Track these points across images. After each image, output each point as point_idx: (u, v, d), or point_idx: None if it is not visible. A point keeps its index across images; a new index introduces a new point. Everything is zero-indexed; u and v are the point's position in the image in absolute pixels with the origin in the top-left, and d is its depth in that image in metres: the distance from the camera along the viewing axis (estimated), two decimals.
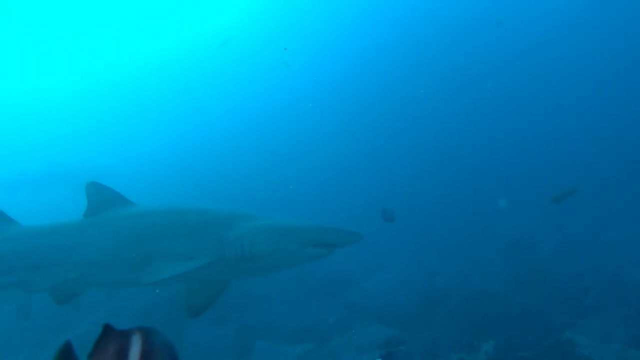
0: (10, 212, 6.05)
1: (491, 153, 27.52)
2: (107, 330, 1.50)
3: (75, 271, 5.40)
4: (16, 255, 5.56)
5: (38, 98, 41.79)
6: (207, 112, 41.83)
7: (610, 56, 29.13)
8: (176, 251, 5.16)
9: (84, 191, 5.75)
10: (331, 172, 28.53)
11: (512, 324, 8.56)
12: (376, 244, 11.81)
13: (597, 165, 22.38)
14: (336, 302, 11.73)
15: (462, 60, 30.70)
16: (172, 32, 38.43)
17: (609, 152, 23.80)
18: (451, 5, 31.02)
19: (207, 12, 36.44)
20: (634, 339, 7.36)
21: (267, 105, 39.01)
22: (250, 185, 25.23)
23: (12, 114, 41.55)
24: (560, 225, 15.47)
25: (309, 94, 35.43)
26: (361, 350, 8.25)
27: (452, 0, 30.96)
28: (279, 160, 29.92)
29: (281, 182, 24.84)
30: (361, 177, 26.86)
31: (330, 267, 12.26)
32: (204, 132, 39.71)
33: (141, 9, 36.16)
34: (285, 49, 33.30)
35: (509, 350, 7.29)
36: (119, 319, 10.01)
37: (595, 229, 14.76)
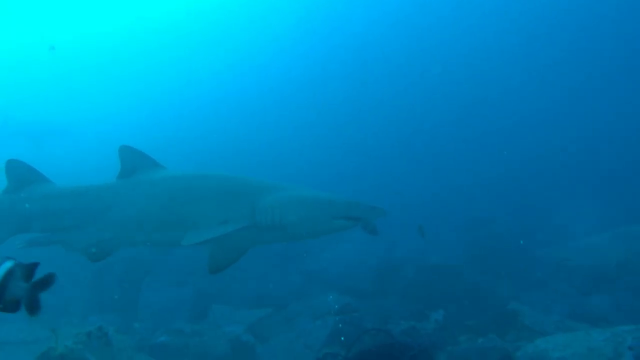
0: None
1: (456, 133, 28.10)
2: None
3: (111, 231, 5.54)
4: (55, 214, 5.63)
5: None
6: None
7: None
8: (209, 215, 5.29)
9: (118, 154, 5.81)
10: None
11: (463, 295, 8.90)
12: None
13: (555, 150, 23.22)
14: (295, 271, 11.88)
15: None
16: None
17: (567, 140, 24.72)
18: None
19: None
20: (571, 311, 7.81)
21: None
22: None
23: None
24: (516, 205, 16.14)
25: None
26: (316, 316, 8.40)
27: None
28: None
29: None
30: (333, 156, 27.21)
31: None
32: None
33: None
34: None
35: (457, 319, 7.61)
36: (75, 277, 9.90)
37: (547, 211, 15.46)
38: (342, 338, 6.10)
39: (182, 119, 35.74)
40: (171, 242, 5.51)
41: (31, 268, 2.47)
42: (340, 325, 6.97)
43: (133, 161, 5.81)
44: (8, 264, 2.41)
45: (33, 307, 2.44)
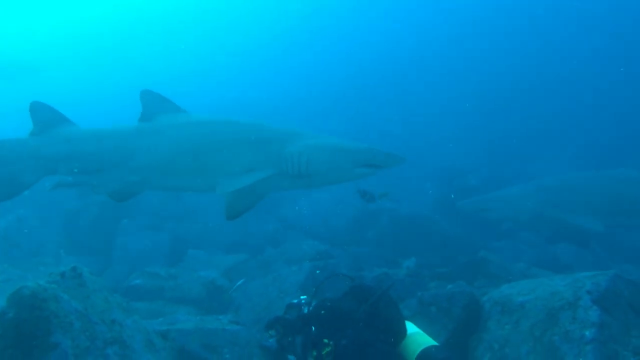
0: None
1: (436, 88, 28.10)
2: None
3: (138, 174, 5.54)
4: (82, 156, 5.59)
5: None
6: None
7: None
8: (234, 162, 5.30)
9: (139, 98, 5.75)
10: None
11: (434, 244, 9.14)
12: None
13: (533, 105, 23.50)
14: (272, 218, 11.97)
15: None
16: None
17: (536, 102, 25.03)
18: None
19: None
20: (537, 259, 8.11)
21: None
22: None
23: None
24: (490, 159, 16.47)
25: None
26: (291, 261, 8.54)
27: None
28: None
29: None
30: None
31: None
32: None
33: None
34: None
35: (428, 266, 7.83)
36: (47, 221, 9.81)
37: (518, 165, 15.87)
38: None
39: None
40: (195, 187, 5.64)
41: None
42: (317, 272, 7.10)
43: (154, 105, 5.76)
44: None
45: None
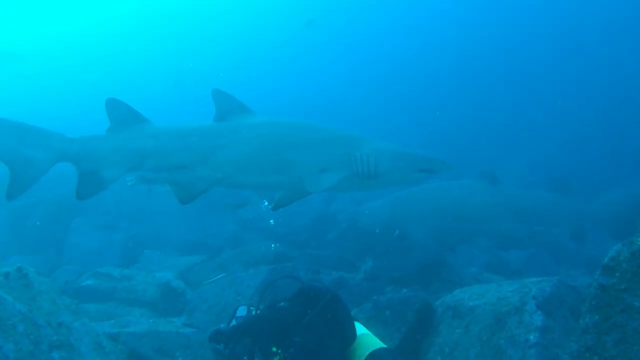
0: None
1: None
2: None
3: (220, 172, 5.66)
4: (165, 153, 5.65)
5: None
6: None
7: None
8: (310, 161, 5.58)
9: (211, 97, 5.89)
10: None
11: (393, 249, 9.26)
12: None
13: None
14: (231, 220, 11.87)
15: None
16: None
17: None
18: None
19: None
20: (488, 264, 8.36)
21: None
22: None
23: None
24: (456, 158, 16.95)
25: None
26: (249, 264, 8.47)
27: None
28: None
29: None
30: None
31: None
32: None
33: None
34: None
35: (385, 270, 7.93)
36: None
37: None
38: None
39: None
40: (272, 185, 5.90)
41: None
42: (275, 274, 7.08)
43: (226, 105, 5.93)
44: None
45: None
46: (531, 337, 3.93)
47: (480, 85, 29.86)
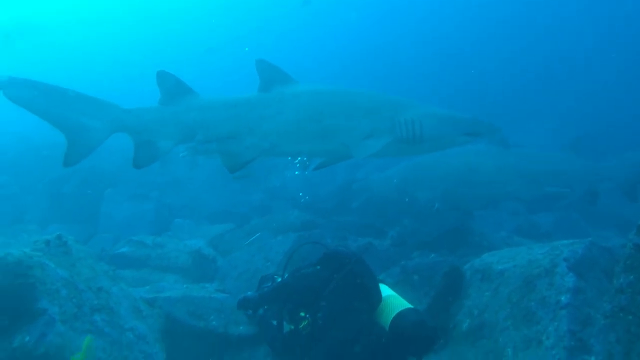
0: None
1: None
2: None
3: (267, 141, 5.75)
4: (215, 124, 5.80)
5: None
6: None
7: None
8: (354, 128, 5.61)
9: (255, 68, 5.93)
10: None
11: (419, 214, 9.25)
12: None
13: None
14: (258, 188, 12.01)
15: None
16: None
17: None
18: None
19: None
20: (518, 227, 8.28)
21: None
22: None
23: None
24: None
25: None
26: (277, 231, 8.61)
27: None
28: None
29: None
30: None
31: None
32: None
33: None
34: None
35: (412, 236, 7.96)
36: (28, 188, 9.70)
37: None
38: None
39: None
40: (318, 152, 5.99)
41: None
42: (302, 241, 7.17)
43: (270, 75, 5.99)
44: None
45: None
46: (562, 299, 3.91)
47: (503, 46, 28.89)
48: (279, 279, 3.72)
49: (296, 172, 11.07)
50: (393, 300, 3.34)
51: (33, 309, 3.75)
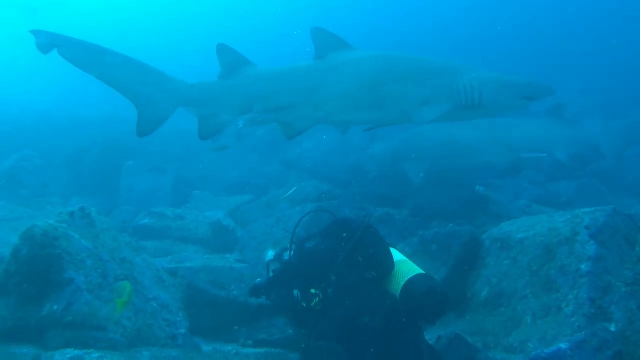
0: None
1: None
2: None
3: (323, 110, 5.83)
4: (273, 94, 5.88)
5: None
6: None
7: None
8: (412, 94, 5.65)
9: (311, 36, 6.00)
10: None
11: (437, 183, 9.19)
12: None
13: None
14: (275, 160, 12.03)
15: None
16: None
17: None
18: None
19: None
20: (538, 196, 8.20)
21: None
22: None
23: None
24: None
25: None
26: (295, 202, 8.63)
27: None
28: None
29: None
30: None
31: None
32: None
33: None
34: None
35: (431, 206, 7.93)
36: (52, 161, 9.85)
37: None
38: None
39: None
40: (375, 120, 6.05)
41: None
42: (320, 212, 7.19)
43: (325, 42, 5.99)
44: None
45: None
46: (583, 267, 3.89)
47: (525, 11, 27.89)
48: (287, 255, 3.71)
49: (324, 136, 11.09)
50: (404, 266, 3.30)
51: (60, 279, 3.86)
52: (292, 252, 3.68)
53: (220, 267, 5.45)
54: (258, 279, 3.74)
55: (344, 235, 3.35)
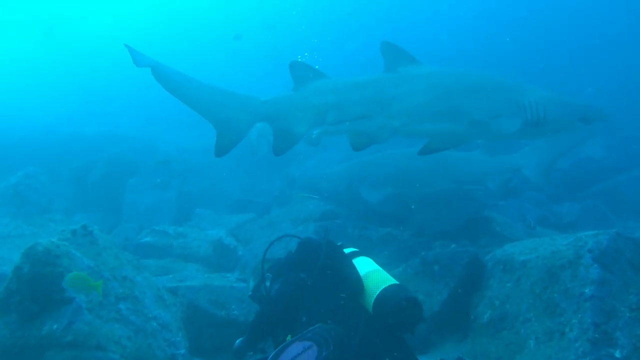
0: None
1: None
2: None
3: (398, 120, 5.88)
4: (346, 105, 5.92)
5: None
6: None
7: None
8: (482, 108, 5.73)
9: (380, 50, 6.08)
10: None
11: (441, 203, 9.18)
12: None
13: None
14: (278, 177, 12.05)
15: None
16: None
17: None
18: None
19: None
20: (540, 218, 8.17)
21: None
22: None
23: None
24: None
25: None
26: (298, 221, 8.64)
27: None
28: None
29: None
30: None
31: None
32: None
33: None
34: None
35: (433, 225, 7.91)
36: (56, 177, 9.89)
37: None
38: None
39: None
40: (446, 132, 6.02)
41: None
42: (322, 231, 7.17)
43: (394, 56, 6.11)
44: None
45: None
46: (587, 291, 3.85)
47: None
48: (263, 289, 3.64)
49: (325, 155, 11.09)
50: (374, 277, 3.22)
51: (61, 297, 3.85)
52: (267, 284, 3.60)
53: (221, 287, 5.42)
54: (238, 339, 3.63)
55: (308, 261, 3.32)
